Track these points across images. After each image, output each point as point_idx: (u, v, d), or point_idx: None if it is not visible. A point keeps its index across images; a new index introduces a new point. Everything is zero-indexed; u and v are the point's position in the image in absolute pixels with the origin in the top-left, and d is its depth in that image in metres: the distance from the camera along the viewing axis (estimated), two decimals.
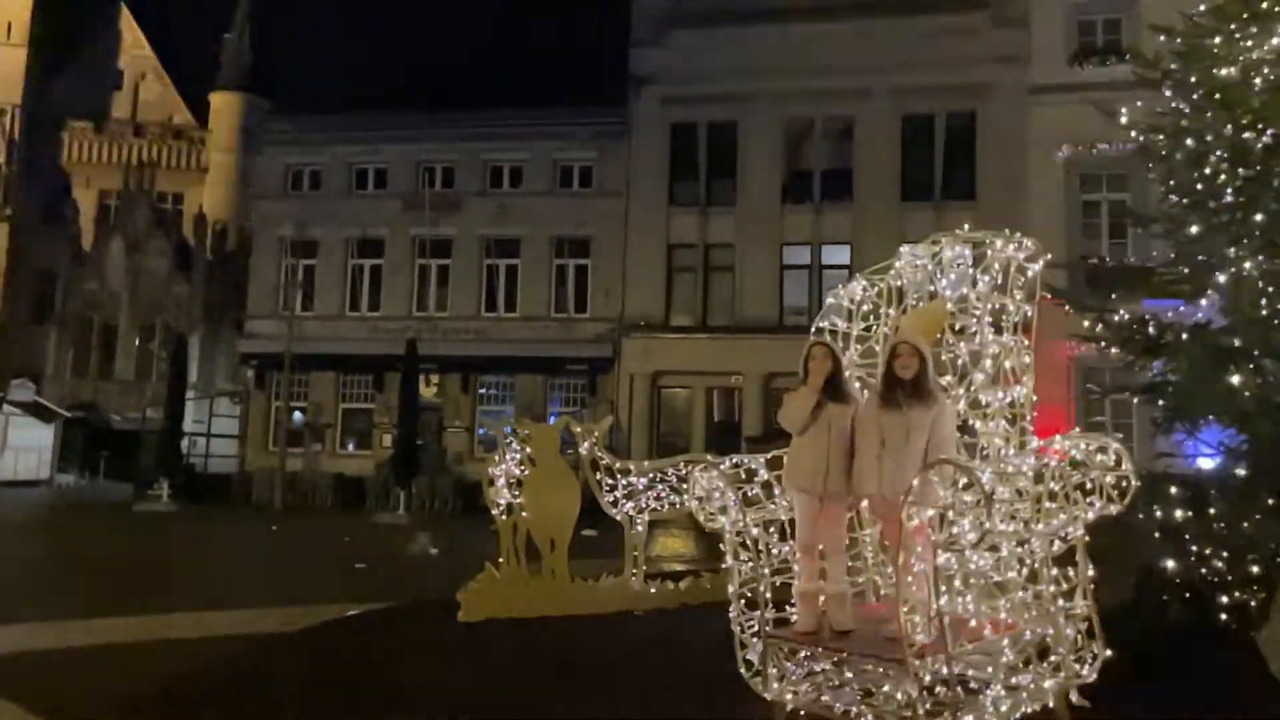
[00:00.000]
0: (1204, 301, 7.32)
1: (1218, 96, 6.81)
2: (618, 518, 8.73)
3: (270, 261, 30.79)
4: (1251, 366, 6.13)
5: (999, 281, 4.37)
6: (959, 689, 3.81)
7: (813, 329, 5.20)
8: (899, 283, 4.97)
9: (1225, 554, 6.75)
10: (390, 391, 28.23)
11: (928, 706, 3.95)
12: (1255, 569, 6.46)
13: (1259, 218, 7.12)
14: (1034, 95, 25.87)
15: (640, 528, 8.70)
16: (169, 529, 20.22)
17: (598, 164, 28.92)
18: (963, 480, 3.82)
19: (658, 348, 26.88)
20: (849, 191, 26.74)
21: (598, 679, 6.27)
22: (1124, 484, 3.97)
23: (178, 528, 20.52)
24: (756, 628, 4.76)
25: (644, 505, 8.65)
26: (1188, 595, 6.59)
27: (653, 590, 8.71)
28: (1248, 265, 6.91)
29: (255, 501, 26.50)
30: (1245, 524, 6.57)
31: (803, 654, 4.72)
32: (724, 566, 4.94)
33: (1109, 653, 4.23)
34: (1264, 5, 6.44)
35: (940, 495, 3.81)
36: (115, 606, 9.67)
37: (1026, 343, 4.43)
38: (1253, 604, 6.21)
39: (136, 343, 38.18)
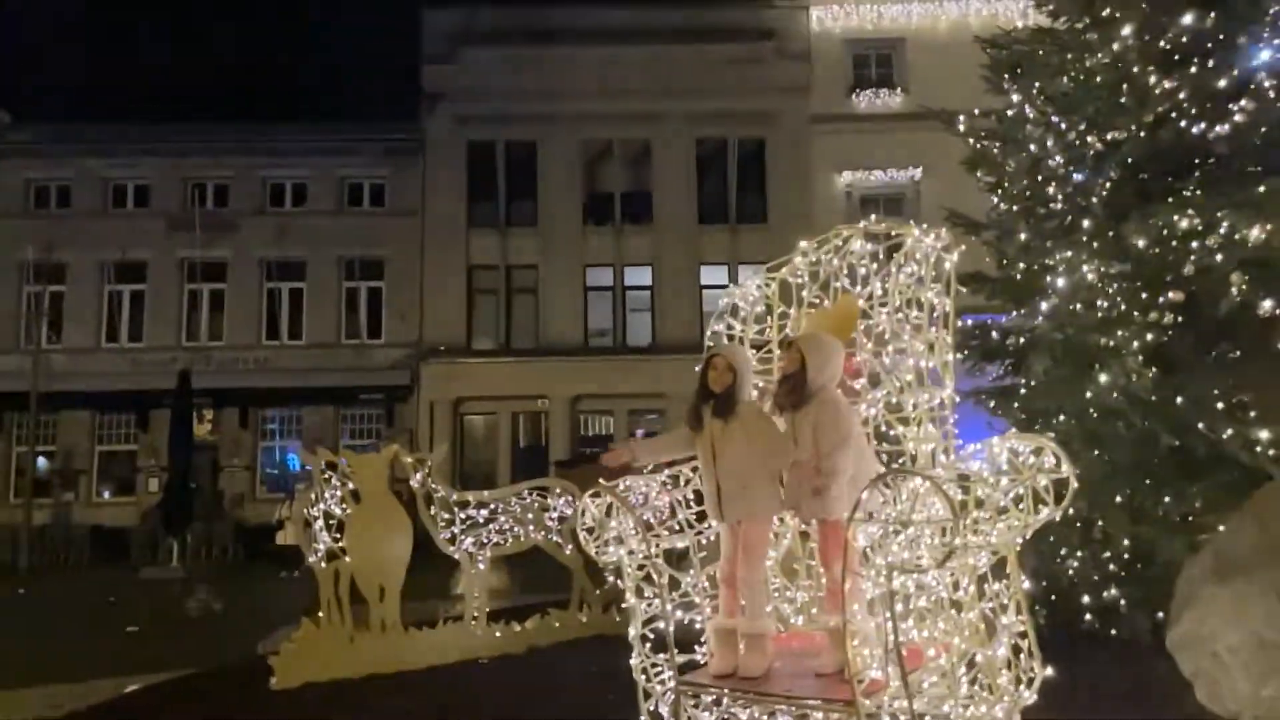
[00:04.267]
0: (1044, 305, 7.46)
1: (1063, 100, 6.95)
2: (455, 556, 7.87)
3: (9, 288, 27.10)
4: (1115, 366, 6.21)
5: (919, 274, 4.05)
6: None
7: (709, 332, 4.69)
8: (799, 279, 4.57)
9: (1080, 553, 6.84)
10: (157, 430, 25.41)
11: None
12: (1112, 567, 6.55)
13: (1086, 223, 7.35)
14: (816, 124, 27.19)
15: (482, 565, 7.87)
16: None
17: (390, 182, 27.47)
18: (908, 490, 3.40)
19: (459, 373, 25.79)
20: (649, 213, 26.93)
21: None
22: (1062, 488, 3.71)
23: None
24: (663, 673, 4.15)
25: (486, 540, 7.84)
26: (1053, 598, 6.61)
27: (497, 634, 7.88)
28: (1085, 269, 7.07)
29: None
30: (1100, 521, 6.67)
31: (712, 699, 4.14)
32: (624, 605, 4.30)
33: (1049, 670, 3.95)
34: (1104, 12, 6.62)
35: (892, 509, 3.38)
36: None
37: (948, 339, 4.12)
38: (1122, 604, 6.28)
39: None
